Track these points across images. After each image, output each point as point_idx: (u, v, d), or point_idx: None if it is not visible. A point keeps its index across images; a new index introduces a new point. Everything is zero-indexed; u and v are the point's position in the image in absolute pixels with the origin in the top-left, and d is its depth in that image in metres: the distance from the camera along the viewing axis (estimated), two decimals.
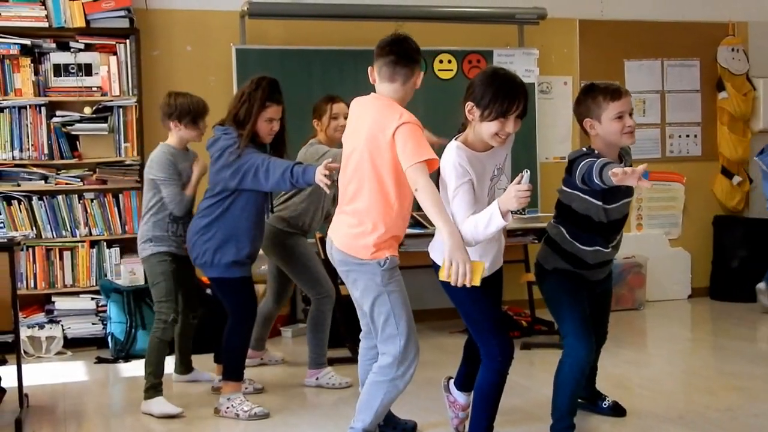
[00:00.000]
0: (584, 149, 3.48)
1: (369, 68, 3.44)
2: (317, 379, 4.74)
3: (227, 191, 4.08)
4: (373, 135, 3.28)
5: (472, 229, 3.05)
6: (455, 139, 3.23)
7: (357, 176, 3.34)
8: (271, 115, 4.12)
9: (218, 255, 4.09)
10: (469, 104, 3.13)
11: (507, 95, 3.09)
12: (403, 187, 3.26)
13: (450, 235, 3.02)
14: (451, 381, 3.79)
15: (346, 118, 4.48)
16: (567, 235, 3.55)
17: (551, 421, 3.58)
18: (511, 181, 3.04)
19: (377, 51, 3.39)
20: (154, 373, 4.30)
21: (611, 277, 3.92)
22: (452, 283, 3.01)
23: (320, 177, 3.78)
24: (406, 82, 3.36)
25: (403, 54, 3.34)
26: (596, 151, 3.42)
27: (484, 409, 3.28)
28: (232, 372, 4.21)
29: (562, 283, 3.59)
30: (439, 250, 3.29)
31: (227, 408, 4.15)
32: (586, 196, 3.42)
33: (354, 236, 3.32)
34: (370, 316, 3.35)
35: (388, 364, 3.31)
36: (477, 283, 3.01)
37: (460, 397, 3.72)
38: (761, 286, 6.62)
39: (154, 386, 4.29)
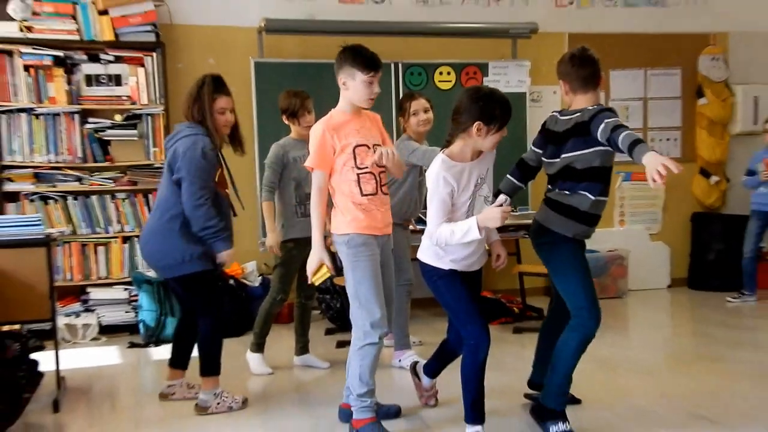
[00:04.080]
0: (597, 106, 3.36)
1: None
2: (400, 361, 4.70)
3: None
4: None
5: (448, 235, 3.17)
6: (442, 152, 3.26)
7: None
8: (223, 105, 3.91)
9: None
10: (479, 124, 3.13)
11: (507, 109, 3.17)
12: (341, 182, 3.43)
13: (318, 249, 3.40)
14: (419, 365, 3.90)
15: (425, 112, 4.57)
16: (591, 196, 3.37)
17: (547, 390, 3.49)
18: (493, 196, 3.29)
19: None
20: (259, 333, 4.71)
21: None
22: (309, 279, 3.47)
23: (223, 259, 3.88)
24: (346, 84, 3.43)
25: (336, 64, 3.44)
26: (611, 109, 3.36)
27: (472, 386, 3.27)
28: (211, 367, 3.96)
29: (576, 256, 3.44)
30: (425, 251, 3.35)
31: (218, 403, 3.95)
32: (605, 148, 3.30)
33: (332, 216, 3.54)
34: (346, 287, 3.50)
35: (355, 336, 3.44)
36: (316, 283, 3.48)
37: (425, 380, 3.87)
38: None
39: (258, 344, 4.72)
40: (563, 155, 3.41)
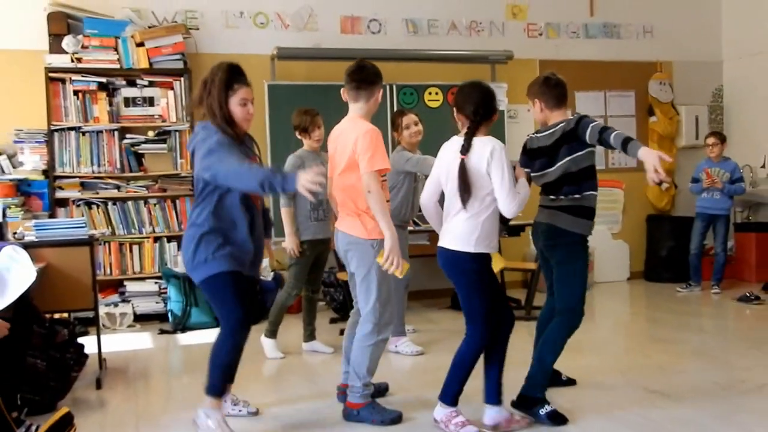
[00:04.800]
0: (576, 115, 3.36)
1: (342, 89, 3.39)
2: (396, 346, 4.64)
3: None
4: (343, 146, 3.25)
5: (525, 193, 3.11)
6: (484, 136, 3.08)
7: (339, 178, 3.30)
8: (243, 95, 3.06)
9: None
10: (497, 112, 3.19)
11: None
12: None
13: (391, 237, 3.08)
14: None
15: (416, 124, 4.50)
16: (593, 192, 3.36)
17: (526, 372, 3.39)
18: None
19: (345, 78, 3.34)
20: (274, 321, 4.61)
21: None
22: (384, 268, 3.11)
23: (307, 186, 2.70)
24: (369, 100, 3.33)
25: (362, 80, 3.31)
26: (587, 115, 3.35)
27: (457, 376, 3.14)
28: (212, 386, 3.09)
29: (585, 261, 3.38)
30: (467, 241, 3.05)
31: (204, 425, 3.08)
32: (592, 149, 3.31)
33: (352, 220, 3.27)
34: (359, 286, 3.29)
35: (369, 332, 3.25)
36: (400, 276, 3.13)
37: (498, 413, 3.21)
38: None
39: (272, 330, 4.62)
40: (559, 162, 3.32)
